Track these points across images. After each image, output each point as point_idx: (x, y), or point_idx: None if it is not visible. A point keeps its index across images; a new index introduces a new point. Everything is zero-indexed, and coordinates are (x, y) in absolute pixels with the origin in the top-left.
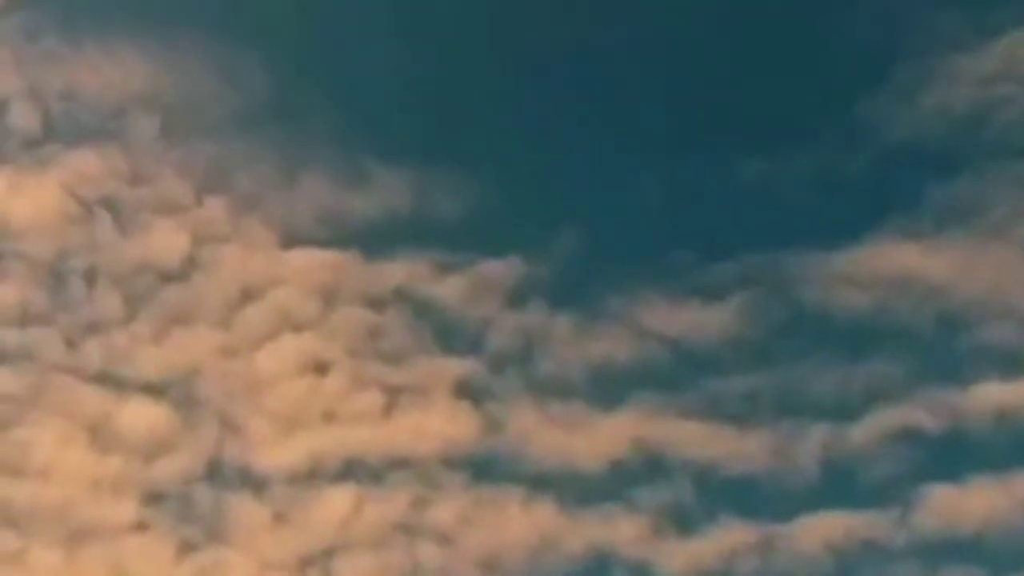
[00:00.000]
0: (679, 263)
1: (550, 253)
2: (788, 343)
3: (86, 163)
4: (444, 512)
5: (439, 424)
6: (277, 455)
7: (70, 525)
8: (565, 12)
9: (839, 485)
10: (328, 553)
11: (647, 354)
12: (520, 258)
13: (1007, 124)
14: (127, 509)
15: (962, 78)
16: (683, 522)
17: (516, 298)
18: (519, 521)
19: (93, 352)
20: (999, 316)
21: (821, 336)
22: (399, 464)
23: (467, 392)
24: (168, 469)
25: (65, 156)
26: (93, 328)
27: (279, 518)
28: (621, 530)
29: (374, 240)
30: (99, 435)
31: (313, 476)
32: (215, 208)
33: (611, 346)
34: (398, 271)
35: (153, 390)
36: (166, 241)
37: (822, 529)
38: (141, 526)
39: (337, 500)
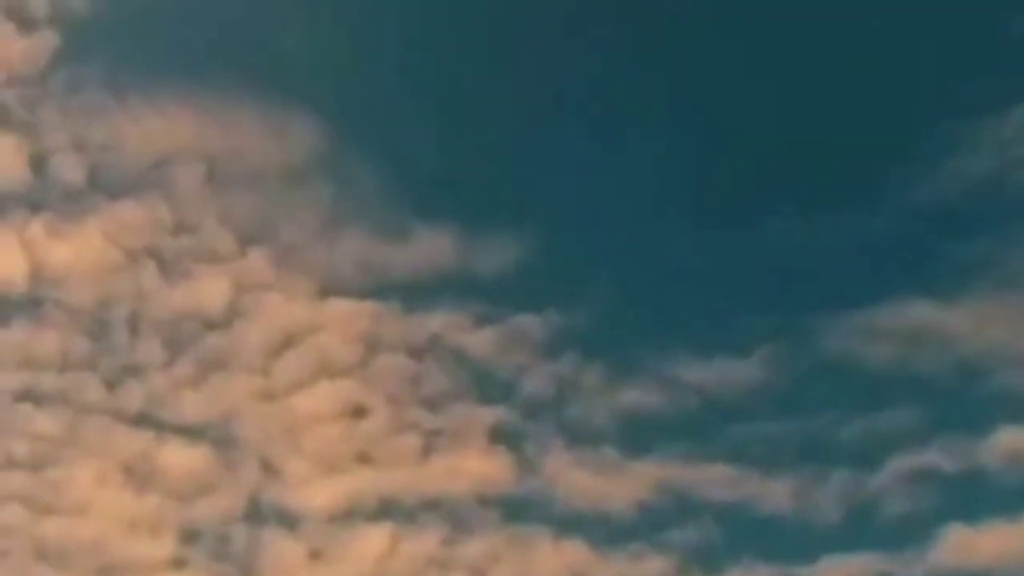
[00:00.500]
0: (708, 318)
1: (583, 308)
2: (811, 392)
3: (130, 213)
4: (477, 550)
5: (473, 467)
6: (314, 495)
7: (105, 561)
8: (596, 77)
9: (860, 527)
10: None
11: (675, 403)
12: (554, 312)
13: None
14: (164, 547)
15: (981, 143)
16: (709, 562)
17: (550, 349)
18: (550, 559)
19: (132, 395)
20: (1014, 365)
21: (843, 386)
22: (434, 504)
23: (501, 437)
24: (206, 509)
25: (109, 206)
26: (133, 371)
27: (315, 556)
28: (649, 569)
29: (413, 293)
30: (136, 475)
31: (349, 515)
32: (257, 258)
33: (640, 395)
34: (436, 322)
35: (192, 432)
36: (208, 289)
37: (844, 569)
38: (178, 563)
39: (373, 538)
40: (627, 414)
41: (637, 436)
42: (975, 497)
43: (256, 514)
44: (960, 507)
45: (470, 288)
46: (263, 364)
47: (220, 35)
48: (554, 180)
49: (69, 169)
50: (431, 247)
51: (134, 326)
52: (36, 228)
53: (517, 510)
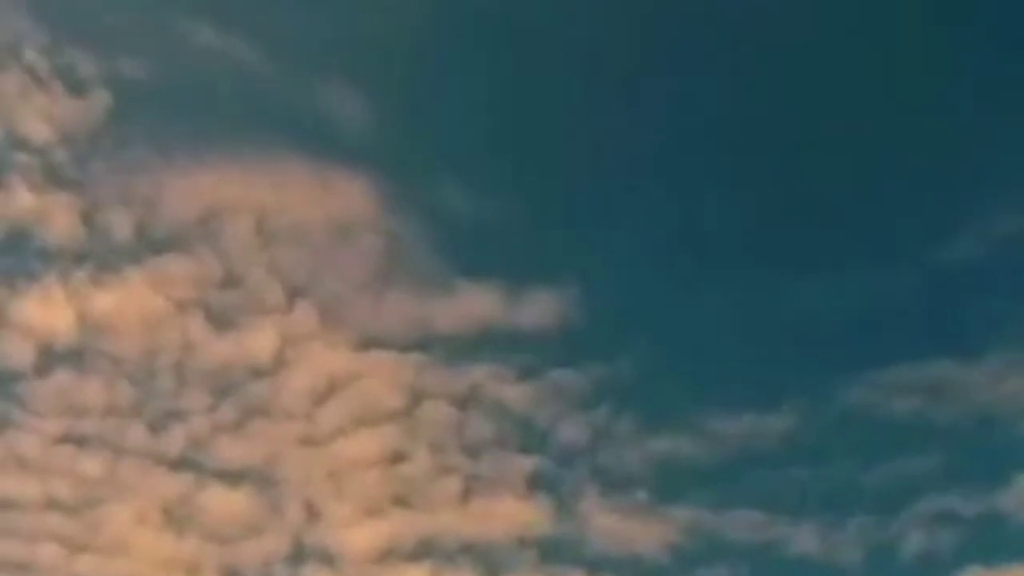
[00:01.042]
0: (738, 373)
1: (619, 362)
2: (836, 442)
3: (179, 266)
4: None
5: (511, 511)
6: (356, 537)
7: None
8: (636, 139)
9: (882, 569)
10: None
11: (706, 452)
12: (592, 366)
13: None
14: None
15: (1001, 206)
16: None
17: (586, 401)
18: None
19: (175, 438)
20: None
21: (866, 436)
22: (472, 547)
23: (538, 483)
24: (247, 551)
25: (158, 260)
26: (176, 416)
27: None
28: None
29: (456, 346)
30: (176, 517)
31: (390, 556)
32: (304, 310)
33: (672, 444)
34: (477, 374)
35: (234, 475)
36: (254, 340)
37: None
38: None
39: None
40: (659, 462)
41: (669, 483)
42: (993, 540)
43: (298, 556)
44: (978, 550)
45: (511, 342)
46: (306, 411)
47: (268, 94)
48: (593, 240)
49: (119, 224)
50: (474, 302)
51: (179, 374)
52: (85, 281)
53: (552, 552)
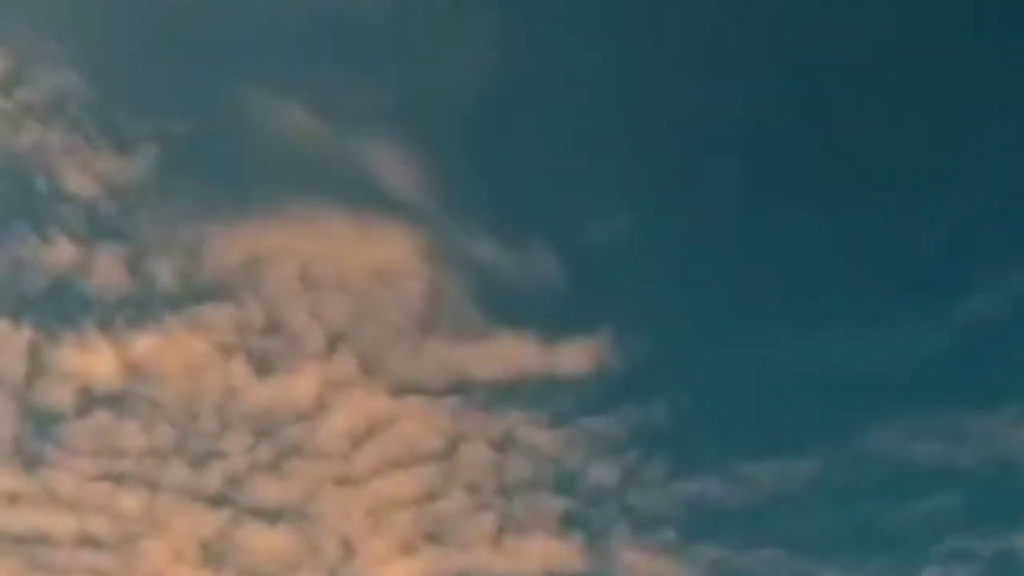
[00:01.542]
0: (767, 419)
1: (652, 409)
2: (860, 485)
3: (222, 314)
4: None
5: (543, 549)
6: (390, 573)
7: None
8: (664, 188)
9: None
10: None
11: (733, 494)
12: (624, 412)
13: None
14: None
15: (1018, 266)
16: None
17: (617, 446)
18: None
19: (213, 477)
20: None
21: (889, 479)
22: None
23: (570, 522)
24: None
25: (202, 307)
26: (215, 456)
27: None
28: None
29: (491, 393)
30: (213, 553)
31: None
32: (344, 356)
33: (701, 486)
34: (512, 420)
35: (270, 513)
36: (295, 385)
37: None
38: None
39: None
40: (688, 503)
41: (696, 523)
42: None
43: None
44: None
45: (546, 389)
46: (344, 452)
47: (312, 149)
48: (626, 291)
49: (162, 273)
50: (510, 350)
51: (220, 417)
52: (128, 328)
53: None
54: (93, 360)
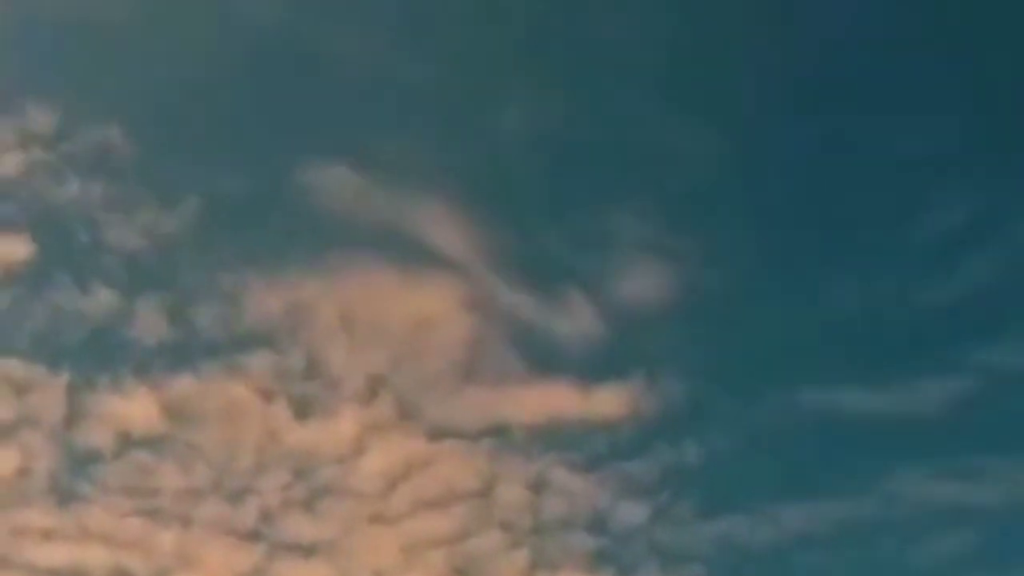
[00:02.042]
0: (795, 463)
1: (682, 453)
2: (884, 525)
3: (263, 360)
4: None
5: None
6: None
7: None
8: (697, 243)
9: None
10: None
11: (761, 533)
12: (656, 456)
13: None
14: None
15: None
16: None
17: (649, 487)
18: None
19: (248, 514)
20: None
21: (912, 519)
22: None
23: (600, 559)
24: None
25: (242, 354)
26: (251, 493)
27: None
28: None
29: (527, 437)
30: None
31: None
32: (383, 400)
33: (729, 526)
34: (547, 463)
35: (305, 549)
36: (333, 428)
37: None
38: None
39: None
40: (716, 542)
41: (724, 561)
42: None
43: None
44: None
45: (581, 433)
46: (380, 492)
47: (352, 203)
48: (658, 340)
49: (203, 321)
50: (546, 396)
51: (257, 457)
52: (169, 374)
53: None
54: (132, 404)
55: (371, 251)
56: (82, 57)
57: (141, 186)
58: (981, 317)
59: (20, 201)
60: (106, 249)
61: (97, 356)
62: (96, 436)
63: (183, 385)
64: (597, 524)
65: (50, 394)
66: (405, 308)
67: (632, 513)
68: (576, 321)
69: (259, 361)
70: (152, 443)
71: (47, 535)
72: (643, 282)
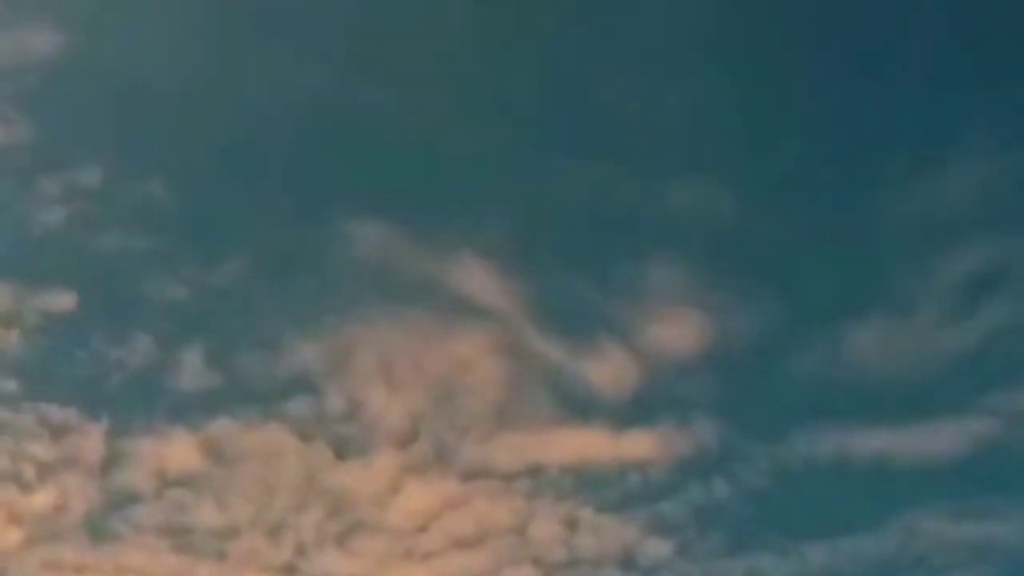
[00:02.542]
0: (823, 503)
1: (712, 493)
2: (905, 561)
3: (304, 404)
4: None
5: None
6: None
7: None
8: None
9: None
10: None
11: (788, 570)
12: (685, 497)
13: None
14: None
15: None
16: None
17: (677, 525)
18: None
19: (283, 549)
20: None
21: (933, 555)
22: None
23: None
24: None
25: (286, 398)
26: (287, 529)
27: None
28: None
29: (561, 478)
30: None
31: None
32: (420, 443)
33: (755, 562)
34: (580, 502)
35: None
36: (370, 469)
37: None
38: None
39: None
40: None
41: None
42: None
43: None
44: None
45: (613, 474)
46: (414, 529)
47: (392, 257)
48: (690, 385)
49: (244, 367)
50: (580, 439)
51: (294, 496)
52: (209, 419)
53: None
54: (170, 446)
55: (409, 301)
56: (131, 115)
57: (185, 239)
58: (1001, 361)
59: (65, 252)
60: (148, 299)
61: (137, 401)
62: (134, 476)
63: (222, 427)
64: (627, 560)
65: (89, 437)
66: (441, 355)
67: (660, 549)
68: (609, 368)
69: (299, 405)
70: (190, 482)
71: (80, 571)
72: (674, 330)
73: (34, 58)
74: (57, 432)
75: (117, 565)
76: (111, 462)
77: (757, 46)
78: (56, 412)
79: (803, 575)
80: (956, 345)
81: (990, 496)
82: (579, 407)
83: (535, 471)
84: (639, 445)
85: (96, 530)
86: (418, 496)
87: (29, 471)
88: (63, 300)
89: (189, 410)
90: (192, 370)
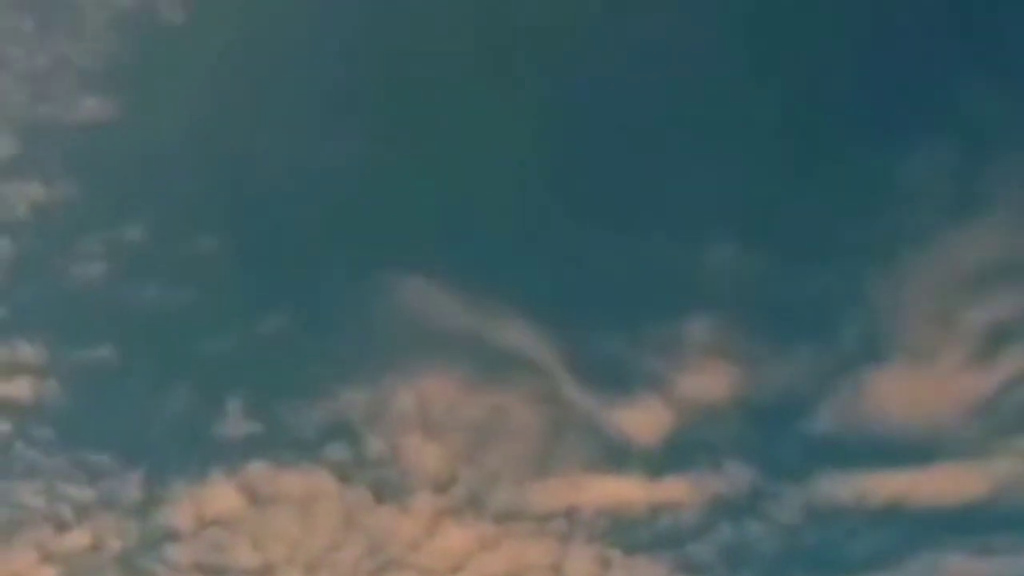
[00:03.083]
0: (845, 550)
1: (741, 536)
2: None
3: (343, 451)
4: None
5: None
6: None
7: None
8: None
9: None
10: None
11: None
12: (715, 538)
13: None
14: None
15: None
16: None
17: (707, 568)
18: None
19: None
20: None
21: None
22: None
23: None
24: None
25: (324, 445)
26: (324, 566)
27: None
28: None
29: (594, 522)
30: None
31: None
32: (456, 489)
33: None
34: (612, 545)
35: None
36: (407, 513)
37: None
38: None
39: None
40: None
41: None
42: None
43: None
44: None
45: (645, 518)
46: (448, 569)
47: (432, 314)
48: (718, 430)
49: (286, 416)
50: (614, 486)
51: (333, 537)
52: (250, 465)
53: None
54: (210, 489)
55: (448, 353)
56: (175, 175)
57: (229, 293)
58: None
59: (108, 305)
60: (192, 351)
61: (176, 447)
62: (171, 517)
63: (260, 470)
64: None
65: (128, 480)
66: (480, 403)
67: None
68: (643, 416)
69: (338, 449)
70: (228, 523)
71: None
72: (706, 380)
73: (84, 122)
74: (96, 475)
75: None
76: (149, 502)
77: (778, 115)
78: (94, 457)
79: None
80: (976, 392)
81: (1008, 536)
82: (614, 454)
83: (569, 513)
84: (671, 489)
85: (133, 569)
86: (454, 537)
87: (66, 511)
88: (105, 351)
89: (228, 454)
90: (233, 418)
